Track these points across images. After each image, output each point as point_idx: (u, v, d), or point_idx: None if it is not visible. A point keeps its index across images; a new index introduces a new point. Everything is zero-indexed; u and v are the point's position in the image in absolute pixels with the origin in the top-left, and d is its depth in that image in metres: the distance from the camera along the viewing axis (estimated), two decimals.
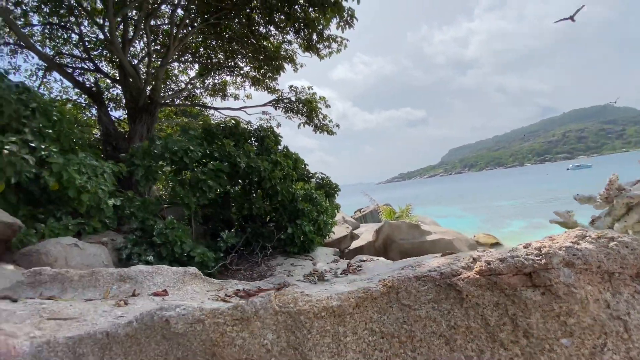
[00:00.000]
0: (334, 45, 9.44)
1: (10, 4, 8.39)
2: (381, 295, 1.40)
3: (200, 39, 12.19)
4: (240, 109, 11.28)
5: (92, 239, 5.12)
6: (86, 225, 4.95)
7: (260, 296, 1.43)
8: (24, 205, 4.65)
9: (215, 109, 12.05)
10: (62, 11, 10.27)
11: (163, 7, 11.38)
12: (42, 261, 4.09)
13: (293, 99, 10.58)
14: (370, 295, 1.40)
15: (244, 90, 14.55)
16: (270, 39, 10.94)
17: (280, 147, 8.58)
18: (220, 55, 13.05)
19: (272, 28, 10.67)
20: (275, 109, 11.00)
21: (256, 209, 6.82)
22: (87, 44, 9.98)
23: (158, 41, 11.59)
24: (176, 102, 12.06)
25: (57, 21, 10.49)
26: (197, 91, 13.82)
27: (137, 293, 2.25)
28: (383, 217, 11.90)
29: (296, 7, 9.11)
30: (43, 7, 10.05)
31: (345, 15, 7.11)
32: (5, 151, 4.04)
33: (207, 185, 5.94)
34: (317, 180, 8.52)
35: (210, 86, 13.84)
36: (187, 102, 12.51)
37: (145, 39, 10.65)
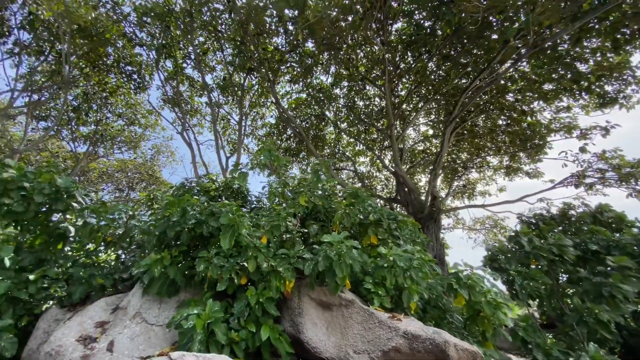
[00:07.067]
0: None
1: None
2: None
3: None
4: (520, 199, 9.49)
5: None
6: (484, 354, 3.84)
7: None
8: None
9: (485, 206, 10.80)
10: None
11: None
12: None
13: (605, 167, 7.95)
14: None
15: (496, 184, 13.03)
16: (536, 116, 9.58)
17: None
18: (462, 155, 12.66)
19: (535, 103, 9.45)
20: (576, 187, 8.52)
21: None
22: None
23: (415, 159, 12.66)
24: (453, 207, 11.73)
25: None
26: (444, 195, 13.43)
27: None
28: None
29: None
30: None
31: None
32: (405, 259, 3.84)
33: (621, 292, 3.95)
34: None
35: (457, 189, 13.23)
36: (464, 205, 12.01)
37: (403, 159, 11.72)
